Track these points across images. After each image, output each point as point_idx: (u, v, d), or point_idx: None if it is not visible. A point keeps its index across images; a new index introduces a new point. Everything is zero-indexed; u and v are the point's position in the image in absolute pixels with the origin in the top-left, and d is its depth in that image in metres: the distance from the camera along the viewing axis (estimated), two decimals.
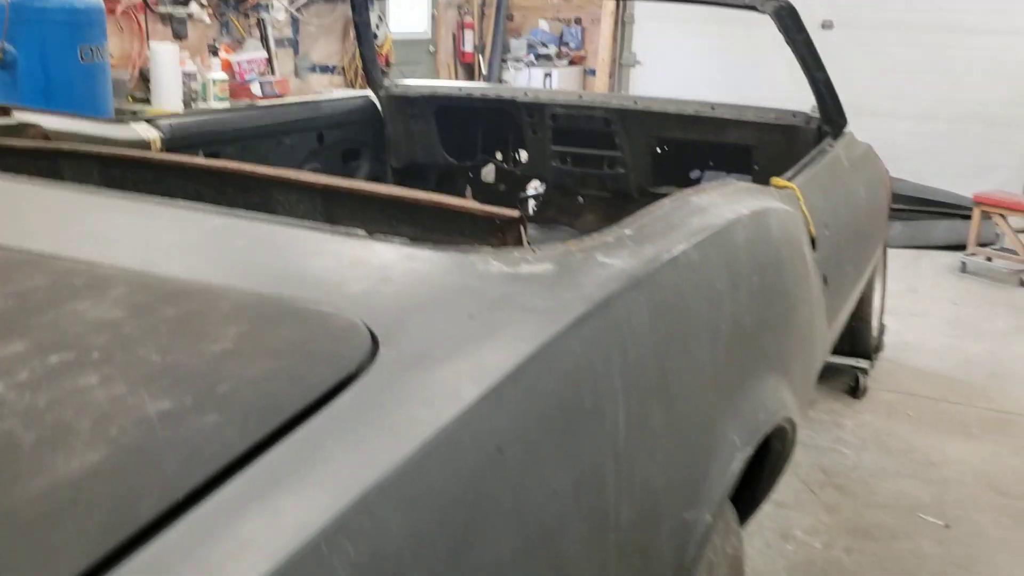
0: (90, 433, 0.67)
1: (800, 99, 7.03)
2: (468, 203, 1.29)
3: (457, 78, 7.75)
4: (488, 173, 3.67)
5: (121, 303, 0.86)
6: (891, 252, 5.88)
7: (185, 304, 0.86)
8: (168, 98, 5.03)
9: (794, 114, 2.84)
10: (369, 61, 3.31)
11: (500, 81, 7.89)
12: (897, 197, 6.26)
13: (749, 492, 1.60)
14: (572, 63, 7.95)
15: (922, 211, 6.21)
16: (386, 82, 3.40)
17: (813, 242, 1.89)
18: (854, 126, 7.23)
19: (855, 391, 3.63)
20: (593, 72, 7.89)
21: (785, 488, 2.93)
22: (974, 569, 2.54)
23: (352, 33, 5.85)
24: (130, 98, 5.15)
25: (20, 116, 1.90)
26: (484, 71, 7.81)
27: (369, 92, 3.41)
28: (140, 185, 1.36)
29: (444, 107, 3.37)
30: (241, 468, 0.65)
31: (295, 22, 6.21)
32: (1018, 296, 5.15)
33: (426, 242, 1.03)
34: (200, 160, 1.54)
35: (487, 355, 0.80)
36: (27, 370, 0.73)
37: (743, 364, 1.20)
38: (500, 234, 1.08)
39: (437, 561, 0.67)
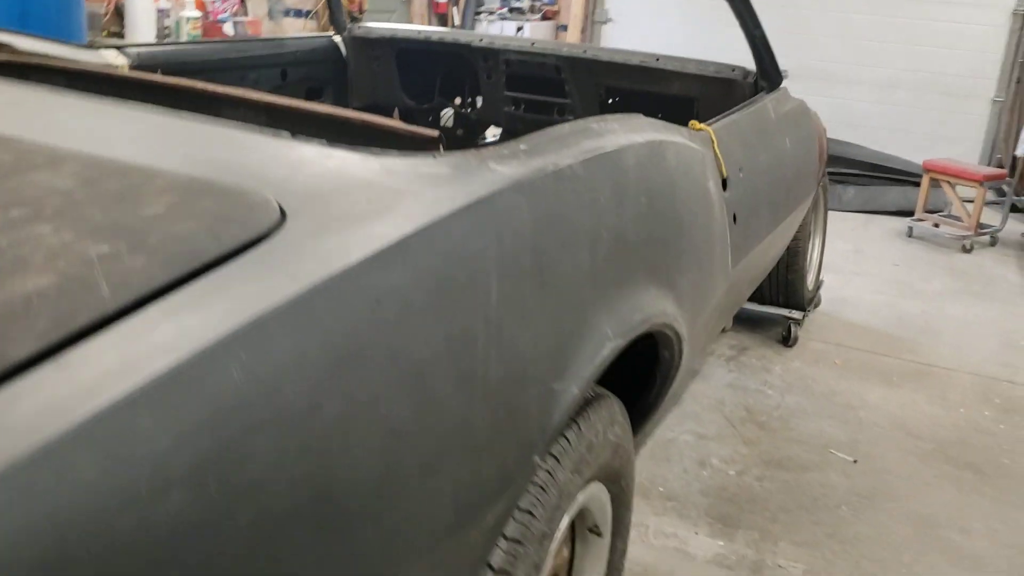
0: (42, 264, 0.83)
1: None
2: (393, 122, 1.45)
3: None
4: (447, 118, 3.81)
5: (74, 176, 1.01)
6: (843, 215, 6.10)
7: (127, 180, 1.01)
8: (142, 34, 5.12)
9: (732, 68, 3.00)
10: (334, 3, 3.44)
11: None
12: (852, 162, 6.47)
13: (645, 400, 1.79)
14: (545, 18, 8.06)
15: (876, 177, 6.41)
16: (349, 24, 3.53)
17: (724, 182, 2.06)
18: (819, 92, 7.37)
19: (787, 340, 3.83)
20: (565, 28, 8.00)
21: (708, 423, 3.14)
22: (875, 499, 2.75)
23: None
24: (105, 32, 5.23)
25: None
26: (457, 22, 7.90)
27: (334, 33, 3.54)
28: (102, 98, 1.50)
29: (404, 50, 3.50)
30: (162, 296, 0.82)
31: None
32: (959, 261, 5.37)
33: (343, 145, 1.19)
34: (158, 77, 1.68)
35: (376, 229, 0.97)
36: None
37: (623, 270, 1.37)
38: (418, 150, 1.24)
39: (318, 380, 0.84)
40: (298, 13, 6.60)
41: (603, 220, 1.32)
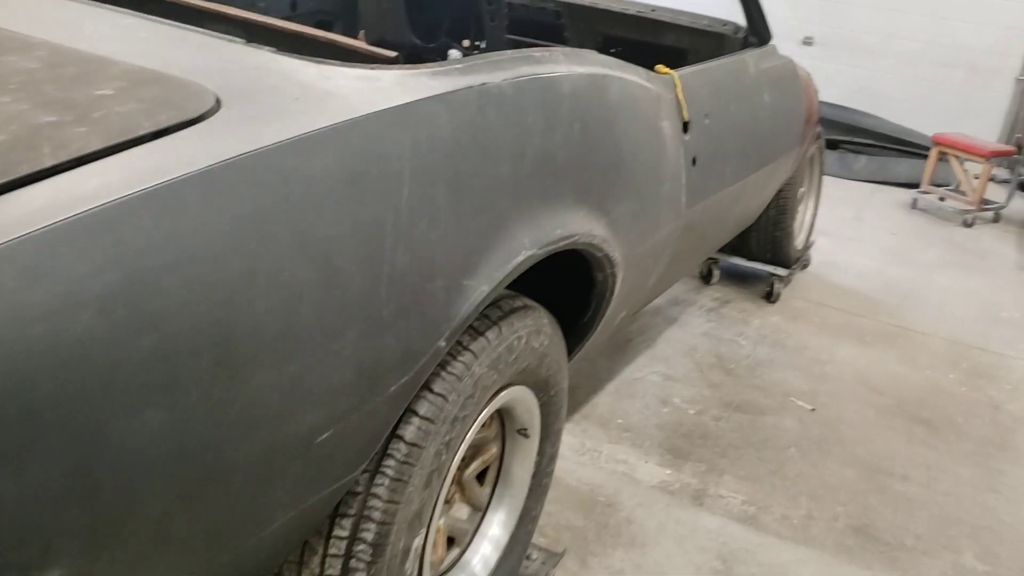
0: None
1: (797, 28, 7.15)
2: (356, 42, 1.59)
3: None
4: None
5: (39, 60, 1.16)
6: (851, 184, 6.15)
7: (85, 66, 1.15)
8: None
9: (724, 23, 3.08)
10: None
11: None
12: (867, 132, 6.49)
13: (580, 321, 1.92)
14: None
15: (889, 148, 6.44)
16: None
17: (685, 126, 2.18)
18: (845, 61, 7.35)
19: (770, 296, 3.94)
20: None
21: (677, 366, 3.27)
22: (824, 444, 2.88)
23: None
24: None
25: None
26: None
27: None
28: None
29: None
30: (95, 160, 0.96)
31: None
32: (958, 234, 5.43)
33: (291, 54, 1.32)
34: None
35: (297, 121, 1.10)
36: None
37: (548, 188, 1.49)
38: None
39: (223, 239, 0.98)
40: None
41: (529, 139, 1.45)
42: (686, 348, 3.43)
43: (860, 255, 4.77)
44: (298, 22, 3.44)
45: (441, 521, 1.70)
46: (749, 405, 3.06)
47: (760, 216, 3.79)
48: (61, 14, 1.42)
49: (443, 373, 1.40)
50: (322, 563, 1.37)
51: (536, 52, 1.57)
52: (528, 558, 2.00)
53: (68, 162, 0.94)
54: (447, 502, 1.72)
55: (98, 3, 1.53)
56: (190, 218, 0.95)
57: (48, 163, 0.93)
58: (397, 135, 1.20)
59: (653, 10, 3.18)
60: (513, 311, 1.57)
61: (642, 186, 1.85)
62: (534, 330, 1.62)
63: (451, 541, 1.77)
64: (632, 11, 3.19)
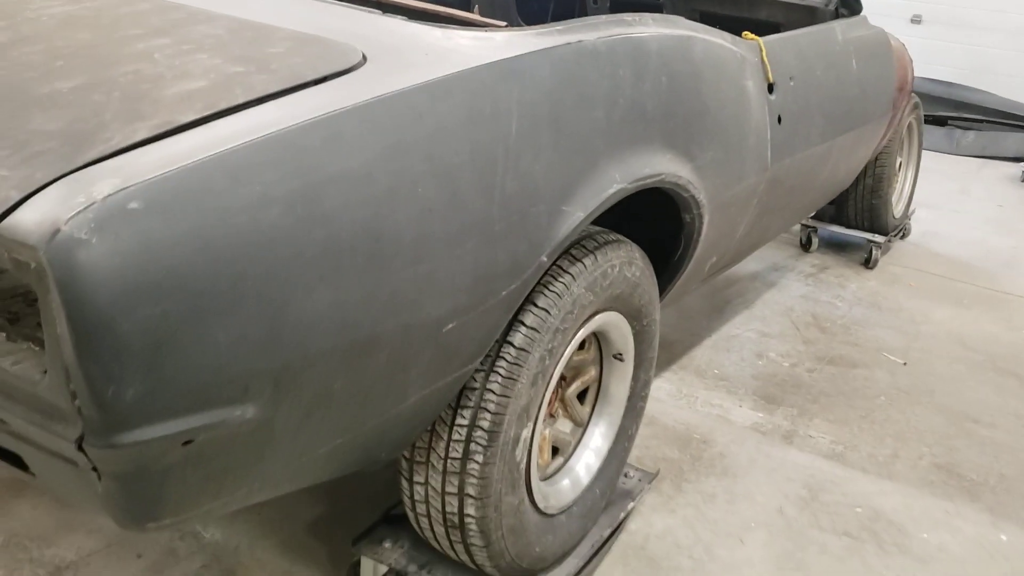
0: (199, 75, 1.27)
1: (906, 6, 7.13)
2: (472, 15, 1.86)
3: None
4: None
5: (223, 28, 1.46)
6: (958, 159, 6.12)
7: (258, 32, 1.45)
8: None
9: None
10: None
11: None
12: (976, 108, 6.44)
13: (672, 260, 2.14)
14: None
15: (998, 123, 6.36)
16: None
17: (771, 87, 2.37)
18: (953, 38, 7.26)
19: (868, 262, 4.05)
20: None
21: (774, 324, 3.44)
22: (914, 394, 3.01)
23: None
24: None
25: None
26: None
27: None
28: None
29: None
30: (275, 99, 1.24)
31: None
32: None
33: (420, 21, 1.59)
34: None
35: (427, 71, 1.37)
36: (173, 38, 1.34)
37: (637, 133, 1.71)
38: None
39: (372, 159, 1.25)
40: None
41: (620, 89, 1.68)
42: (783, 308, 3.59)
43: (963, 226, 4.80)
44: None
45: (547, 431, 1.95)
46: (842, 359, 3.21)
47: (857, 184, 3.91)
48: None
49: (546, 290, 1.65)
50: (447, 447, 1.64)
51: (628, 17, 1.80)
52: (626, 476, 2.23)
53: (256, 99, 1.23)
54: (552, 416, 1.97)
55: None
56: (346, 142, 1.23)
57: (241, 100, 1.21)
58: (506, 82, 1.45)
59: None
60: (608, 243, 1.80)
61: (726, 137, 2.06)
62: (626, 261, 1.85)
63: (556, 451, 2.01)
64: None
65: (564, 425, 2.02)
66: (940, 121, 6.44)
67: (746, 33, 2.35)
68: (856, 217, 4.05)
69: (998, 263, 4.30)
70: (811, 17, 3.20)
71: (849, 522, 2.34)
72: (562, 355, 1.73)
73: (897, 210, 4.19)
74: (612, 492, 2.12)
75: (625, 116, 1.70)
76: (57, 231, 0.98)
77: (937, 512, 2.42)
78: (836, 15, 3.20)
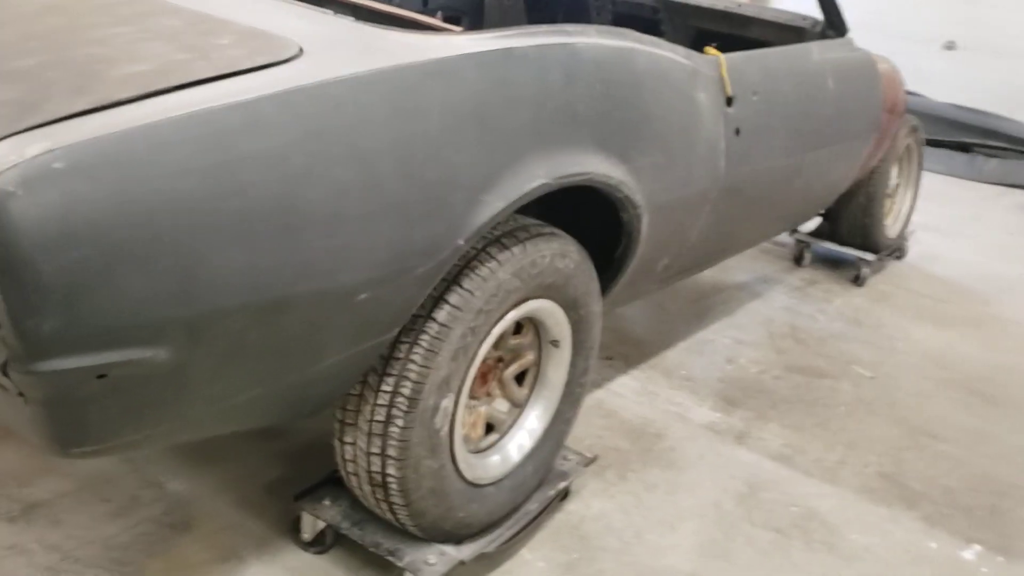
0: (148, 59, 1.45)
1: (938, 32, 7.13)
2: (431, 19, 2.02)
3: None
4: None
5: (183, 21, 1.64)
6: (977, 185, 6.13)
7: (212, 25, 1.62)
8: None
9: (803, 17, 3.35)
10: None
11: None
12: (1002, 136, 6.45)
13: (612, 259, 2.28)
14: None
15: (1022, 151, 6.36)
16: None
17: (729, 99, 2.49)
18: (988, 66, 7.23)
19: (857, 279, 4.12)
20: None
21: (751, 332, 3.54)
22: (874, 405, 3.10)
23: None
24: None
25: None
26: None
27: None
28: None
29: None
30: (210, 82, 1.41)
31: None
32: None
33: (369, 23, 1.76)
34: None
35: (354, 66, 1.53)
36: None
37: (567, 134, 1.85)
38: None
39: (290, 140, 1.41)
40: None
41: (551, 93, 1.82)
42: (763, 319, 3.69)
43: (966, 250, 4.83)
44: (428, 14, 3.92)
45: (482, 408, 2.10)
46: (810, 369, 3.31)
47: (849, 202, 4.00)
48: None
49: (472, 273, 1.80)
50: (372, 411, 1.79)
51: (570, 27, 1.94)
52: (564, 458, 2.36)
53: (190, 82, 1.40)
54: (488, 395, 2.12)
55: None
56: (266, 123, 1.39)
57: (176, 83, 1.39)
58: (431, 80, 1.61)
59: (739, 6, 3.48)
60: (540, 235, 1.94)
61: (668, 143, 2.19)
62: (559, 253, 1.99)
63: (492, 428, 2.16)
64: (720, 6, 3.50)
65: (501, 405, 2.16)
66: (964, 147, 6.45)
67: (708, 48, 2.48)
68: (848, 234, 4.13)
69: (996, 288, 4.33)
70: (798, 37, 3.32)
71: (782, 519, 2.45)
72: (486, 334, 1.88)
73: (892, 230, 4.26)
74: (547, 472, 2.26)
75: (553, 117, 1.84)
76: None
77: (872, 516, 2.52)
78: (823, 36, 3.31)
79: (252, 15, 1.74)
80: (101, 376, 1.30)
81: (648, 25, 3.75)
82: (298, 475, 2.32)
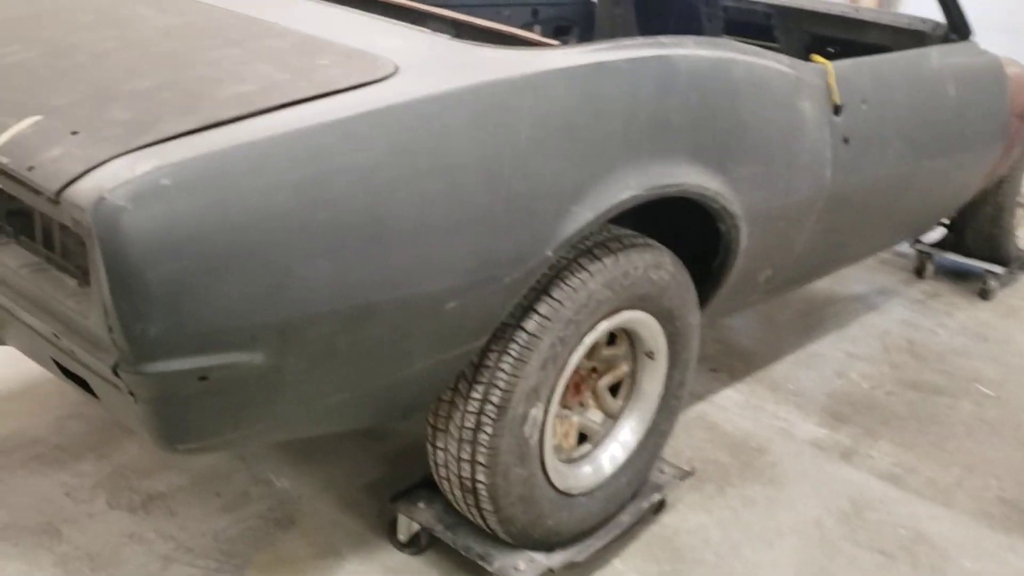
0: (251, 79, 1.53)
1: None
2: (529, 34, 2.06)
3: None
4: None
5: (288, 42, 1.72)
6: None
7: (316, 46, 1.70)
8: None
9: (923, 21, 3.23)
10: None
11: None
12: None
13: (711, 274, 2.26)
14: None
15: None
16: None
17: (837, 108, 2.44)
18: None
19: (984, 293, 3.94)
20: None
21: (864, 346, 3.43)
22: (996, 426, 2.96)
23: None
24: None
25: None
26: None
27: None
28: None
29: None
30: (309, 101, 1.48)
31: None
32: None
33: (464, 40, 1.81)
34: None
35: (446, 83, 1.57)
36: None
37: (659, 144, 1.85)
38: None
39: (381, 153, 1.46)
40: None
41: (643, 104, 1.83)
42: (879, 332, 3.57)
43: None
44: (539, 29, 3.99)
45: (575, 418, 2.12)
46: (927, 385, 3.18)
47: (976, 212, 3.83)
48: (311, 13, 2.00)
49: (562, 284, 1.83)
50: (463, 417, 1.84)
51: (666, 39, 1.95)
52: (660, 471, 2.36)
53: (290, 102, 1.47)
54: (582, 404, 2.14)
55: (345, 6, 2.10)
56: (357, 140, 1.45)
57: (276, 102, 1.46)
58: (519, 96, 1.64)
59: (857, 10, 3.38)
60: (634, 246, 1.95)
61: (768, 153, 2.16)
62: (653, 264, 1.99)
63: (585, 438, 2.17)
64: (836, 11, 3.41)
65: (595, 415, 2.18)
66: None
67: (814, 56, 2.43)
68: (975, 246, 3.96)
69: None
70: (918, 41, 3.20)
71: (888, 541, 2.37)
72: (576, 345, 1.90)
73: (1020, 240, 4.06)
74: (641, 484, 2.26)
75: (645, 129, 1.85)
76: (102, 198, 1.26)
77: (988, 543, 2.41)
78: (945, 39, 3.18)
79: (355, 35, 1.81)
80: (202, 378, 1.39)
81: (761, 31, 3.70)
82: (396, 476, 2.39)
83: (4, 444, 2.41)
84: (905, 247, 4.16)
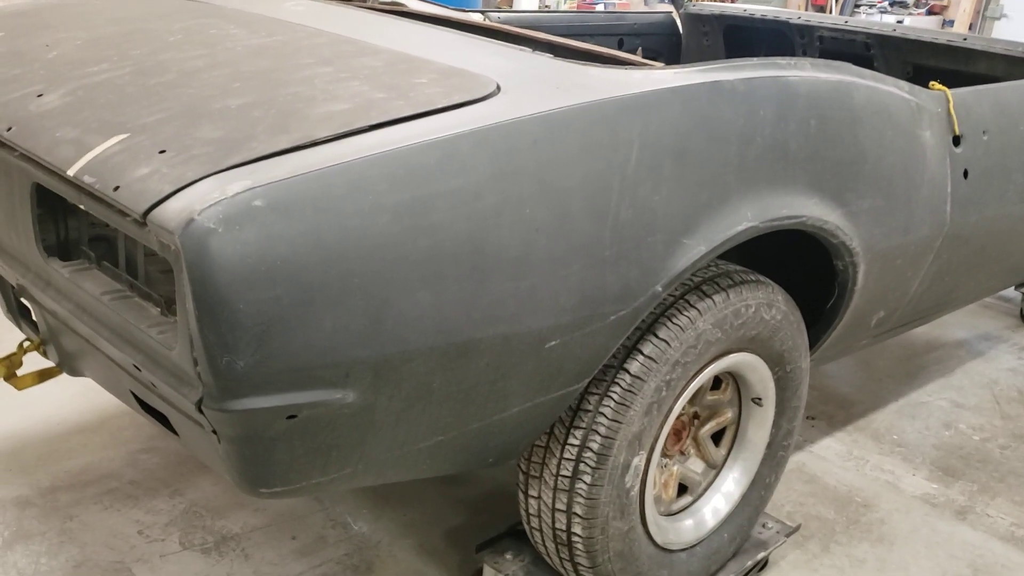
0: (346, 99, 1.44)
1: None
2: (632, 56, 1.94)
3: None
4: None
5: (383, 61, 1.63)
6: None
7: (412, 64, 1.60)
8: (527, 8, 6.00)
9: None
10: None
11: None
12: None
13: (825, 309, 2.10)
14: (931, 12, 7.85)
15: None
16: (687, 2, 3.99)
17: (956, 139, 2.27)
18: None
19: None
20: (952, 23, 7.72)
21: (971, 395, 3.21)
22: None
23: None
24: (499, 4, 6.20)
25: None
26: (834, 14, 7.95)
27: (672, 8, 4.03)
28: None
29: (731, 26, 3.88)
30: (406, 121, 1.38)
31: None
32: None
33: (566, 59, 1.69)
34: (474, 19, 2.30)
35: (550, 103, 1.46)
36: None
37: (776, 172, 1.70)
38: None
39: (482, 178, 1.34)
40: None
41: (759, 128, 1.69)
42: (986, 380, 3.34)
43: None
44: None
45: (675, 468, 1.96)
46: None
47: None
48: (410, 33, 1.91)
49: (669, 322, 1.69)
50: (559, 464, 1.70)
51: (782, 60, 1.81)
52: (764, 526, 2.18)
53: (388, 121, 1.37)
54: (682, 453, 1.98)
55: (443, 27, 2.02)
56: (458, 162, 1.34)
57: (374, 121, 1.36)
58: (629, 116, 1.52)
59: (965, 39, 3.20)
60: (745, 283, 1.81)
61: (890, 186, 2.00)
62: (765, 303, 1.84)
63: (685, 490, 2.01)
64: (942, 40, 3.24)
65: (696, 465, 2.02)
66: None
67: (933, 83, 2.27)
68: None
69: None
70: None
71: None
72: (683, 389, 1.75)
73: None
74: (744, 540, 2.09)
75: (762, 155, 1.71)
76: (191, 220, 1.16)
77: None
78: None
79: (452, 53, 1.71)
80: (291, 416, 1.28)
81: (859, 63, 3.53)
82: (477, 524, 2.26)
83: (78, 479, 2.34)
84: (1010, 291, 3.92)
